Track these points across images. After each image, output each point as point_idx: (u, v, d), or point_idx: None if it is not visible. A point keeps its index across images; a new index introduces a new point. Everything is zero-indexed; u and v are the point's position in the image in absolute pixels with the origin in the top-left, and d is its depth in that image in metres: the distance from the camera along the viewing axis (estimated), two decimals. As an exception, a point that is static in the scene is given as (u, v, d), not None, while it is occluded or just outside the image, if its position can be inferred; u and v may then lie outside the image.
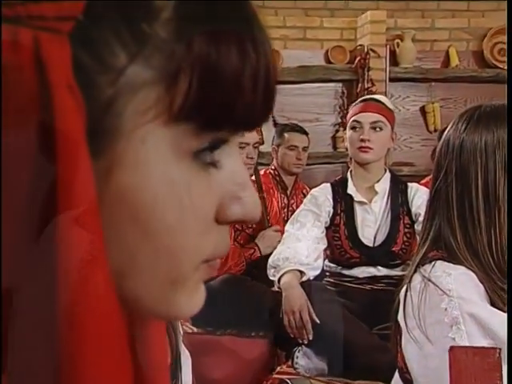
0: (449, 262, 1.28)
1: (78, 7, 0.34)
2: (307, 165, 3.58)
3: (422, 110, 4.60)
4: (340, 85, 4.45)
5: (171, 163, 0.37)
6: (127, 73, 0.35)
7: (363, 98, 2.82)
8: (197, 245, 0.39)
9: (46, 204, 0.33)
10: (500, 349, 1.03)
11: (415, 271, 1.30)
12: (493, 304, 1.24)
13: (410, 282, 1.30)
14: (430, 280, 1.25)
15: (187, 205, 0.38)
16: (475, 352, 1.01)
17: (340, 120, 4.45)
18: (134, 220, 0.37)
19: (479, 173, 1.29)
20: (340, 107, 4.45)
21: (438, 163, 1.37)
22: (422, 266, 1.29)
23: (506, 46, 4.65)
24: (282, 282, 2.41)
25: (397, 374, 1.41)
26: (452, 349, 1.02)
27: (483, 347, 1.15)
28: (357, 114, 2.57)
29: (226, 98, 0.37)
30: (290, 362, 2.47)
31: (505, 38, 4.65)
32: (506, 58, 4.63)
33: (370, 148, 2.52)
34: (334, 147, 4.50)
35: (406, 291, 1.29)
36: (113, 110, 0.35)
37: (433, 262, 1.28)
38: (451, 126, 1.37)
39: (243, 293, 2.60)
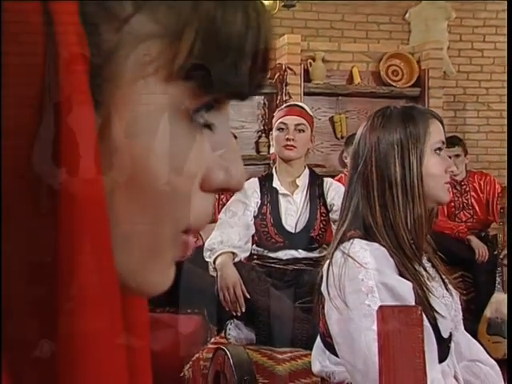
0: (365, 239, 1.29)
1: None
2: (234, 165, 3.56)
3: (331, 120, 4.66)
4: (262, 97, 4.46)
5: (168, 120, 0.32)
6: (132, 22, 0.30)
7: (288, 104, 2.83)
8: (181, 210, 0.34)
9: (49, 155, 0.28)
10: (421, 307, 1.05)
11: (336, 248, 1.31)
12: (401, 275, 1.27)
13: (331, 258, 1.31)
14: (349, 255, 1.26)
15: (179, 165, 0.33)
16: (400, 310, 1.02)
17: (262, 127, 4.47)
18: (123, 175, 0.31)
19: (396, 159, 1.32)
20: (262, 116, 4.46)
21: (356, 153, 1.38)
22: (342, 243, 1.30)
23: (397, 68, 4.80)
24: (217, 262, 2.39)
25: (318, 340, 1.43)
26: (381, 308, 1.02)
27: (407, 306, 1.17)
28: (283, 116, 2.58)
29: (226, 61, 0.33)
30: (222, 334, 2.46)
31: (397, 61, 4.79)
32: (397, 78, 4.78)
33: (294, 147, 2.53)
34: (257, 151, 4.50)
35: (329, 266, 1.30)
36: (114, 59, 0.30)
37: (351, 240, 1.29)
38: (365, 124, 1.40)
39: (181, 275, 2.56)
